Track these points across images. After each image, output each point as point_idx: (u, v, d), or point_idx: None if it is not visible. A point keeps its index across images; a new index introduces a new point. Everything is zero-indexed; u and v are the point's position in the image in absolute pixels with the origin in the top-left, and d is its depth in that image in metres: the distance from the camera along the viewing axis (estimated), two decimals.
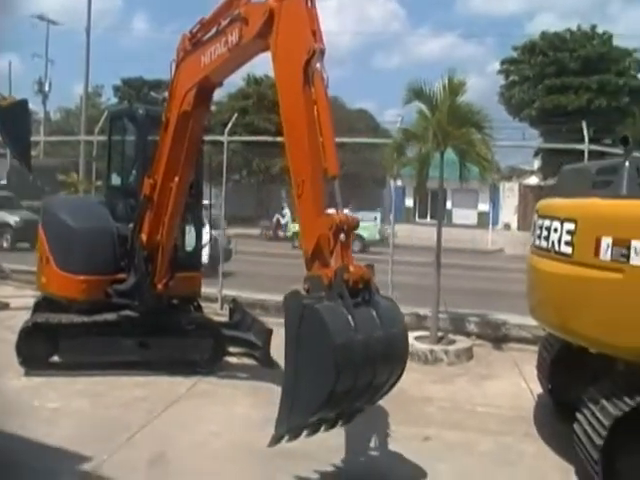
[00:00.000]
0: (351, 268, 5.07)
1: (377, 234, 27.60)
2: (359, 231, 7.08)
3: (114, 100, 51.39)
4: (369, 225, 26.68)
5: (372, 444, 6.43)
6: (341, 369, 4.57)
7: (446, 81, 10.41)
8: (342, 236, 5.21)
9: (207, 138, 10.29)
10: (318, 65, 5.50)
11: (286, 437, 5.02)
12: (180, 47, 7.74)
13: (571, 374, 6.62)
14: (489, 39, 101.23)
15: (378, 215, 29.79)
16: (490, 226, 36.35)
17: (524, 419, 7.39)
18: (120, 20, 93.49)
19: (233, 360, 9.08)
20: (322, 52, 5.55)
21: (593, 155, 11.06)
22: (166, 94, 8.64)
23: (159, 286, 8.38)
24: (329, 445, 5.93)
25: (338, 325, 4.67)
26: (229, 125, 12.81)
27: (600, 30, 42.21)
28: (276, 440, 5.00)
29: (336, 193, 5.31)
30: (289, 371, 4.92)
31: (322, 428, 5.20)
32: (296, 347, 4.83)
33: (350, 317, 4.74)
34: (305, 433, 5.10)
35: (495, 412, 7.67)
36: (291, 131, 5.71)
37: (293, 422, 4.88)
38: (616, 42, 41.60)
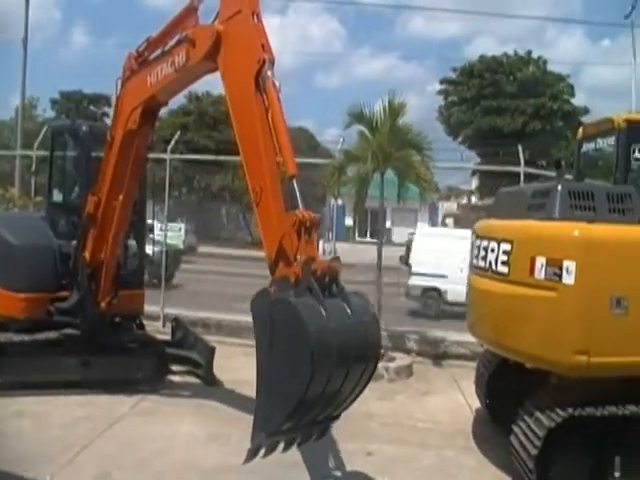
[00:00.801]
0: (318, 261, 5.04)
1: (181, 244, 27.87)
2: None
3: (51, 113, 50.34)
4: (174, 235, 26.96)
5: (316, 459, 6.48)
6: (317, 358, 4.48)
7: (386, 103, 10.64)
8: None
9: (150, 156, 10.26)
10: (269, 73, 5.56)
11: (262, 450, 4.93)
12: (126, 65, 7.76)
13: (508, 389, 6.82)
14: (429, 61, 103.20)
15: (182, 226, 30.09)
16: None
17: (463, 433, 7.60)
18: (59, 32, 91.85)
19: (176, 378, 9.08)
20: (272, 61, 5.63)
21: (528, 177, 11.46)
22: (106, 109, 8.63)
23: (102, 304, 8.33)
24: (272, 460, 5.96)
25: (310, 314, 4.59)
26: (172, 143, 12.78)
27: (535, 55, 43.49)
28: (252, 454, 4.90)
29: (296, 192, 5.29)
30: (262, 373, 4.86)
31: (297, 440, 5.12)
32: (268, 346, 4.76)
33: (321, 308, 4.67)
34: (282, 446, 5.03)
35: (435, 427, 7.86)
36: (245, 142, 5.74)
37: (270, 427, 4.79)
38: (550, 67, 42.92)
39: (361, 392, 5.10)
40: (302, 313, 4.55)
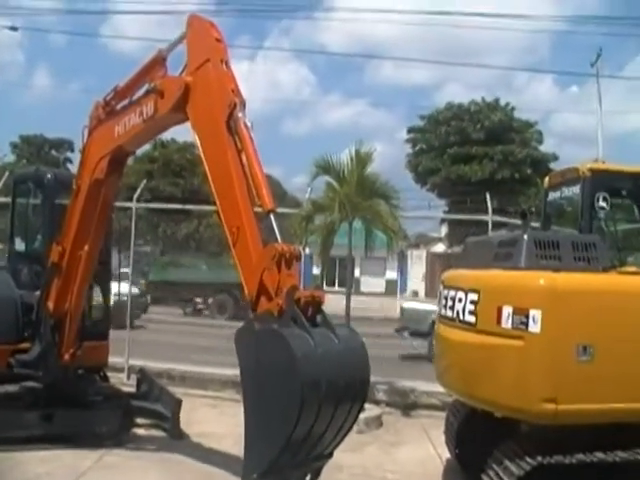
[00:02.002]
0: (300, 291, 5.04)
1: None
2: None
3: (11, 157, 50.02)
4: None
5: None
6: (306, 385, 4.43)
7: (354, 153, 10.83)
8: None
9: (116, 204, 10.30)
10: (240, 114, 5.64)
11: None
12: (93, 114, 7.82)
13: (477, 438, 6.91)
14: (398, 108, 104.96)
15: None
16: (398, 294, 36.99)
17: None
18: (20, 74, 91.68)
19: (141, 432, 9.00)
20: (243, 104, 5.73)
21: (497, 225, 11.67)
22: (69, 154, 8.67)
23: (66, 356, 8.26)
24: None
25: (297, 341, 4.56)
26: (138, 191, 12.79)
27: (503, 102, 43.94)
28: None
29: (274, 227, 5.34)
30: (250, 408, 4.81)
31: None
32: (254, 379, 4.73)
33: (308, 336, 4.64)
34: None
35: (405, 478, 7.89)
36: (219, 185, 5.77)
37: (262, 467, 4.70)
38: (519, 114, 43.32)
39: (348, 432, 5.07)
40: (290, 341, 4.54)
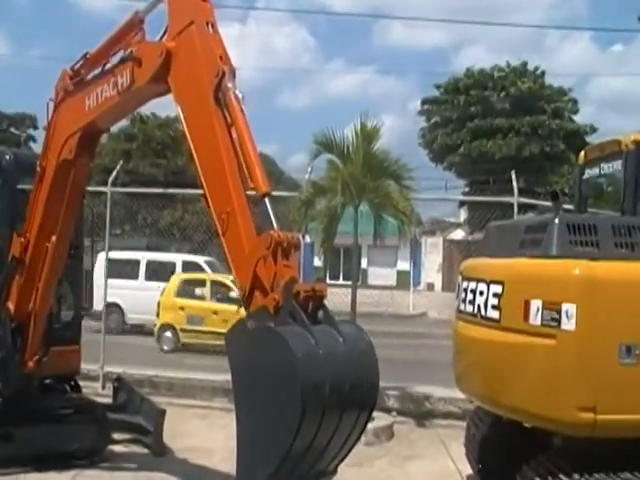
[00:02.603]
0: (300, 284, 4.97)
1: None
2: None
3: None
4: None
5: None
6: (306, 389, 4.37)
7: (359, 127, 10.77)
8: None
9: (88, 188, 10.25)
10: (230, 84, 5.56)
11: None
12: (59, 85, 7.70)
13: (503, 452, 6.86)
14: (410, 76, 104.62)
15: None
16: (411, 287, 36.98)
17: None
18: None
19: (119, 448, 8.98)
20: (233, 72, 5.65)
21: (524, 208, 11.64)
22: (31, 131, 8.58)
23: (30, 364, 8.19)
24: None
25: (296, 340, 4.49)
26: (114, 174, 12.76)
27: (532, 66, 43.79)
28: None
29: (269, 212, 5.26)
30: (242, 420, 4.77)
31: None
32: (248, 386, 4.70)
33: (309, 334, 4.58)
34: None
35: None
36: (207, 165, 5.72)
37: (257, 479, 4.66)
38: (550, 80, 43.29)
39: (354, 444, 5.01)
40: (288, 340, 4.48)
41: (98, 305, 11.79)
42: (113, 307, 20.10)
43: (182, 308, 19.88)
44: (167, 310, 19.91)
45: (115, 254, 17.95)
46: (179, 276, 21.65)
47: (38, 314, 8.09)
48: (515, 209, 11.45)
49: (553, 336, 5.52)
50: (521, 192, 11.74)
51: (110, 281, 13.39)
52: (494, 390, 6.29)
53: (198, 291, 20.36)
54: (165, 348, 19.57)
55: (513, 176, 11.60)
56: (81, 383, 9.72)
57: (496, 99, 41.40)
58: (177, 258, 25.18)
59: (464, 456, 8.08)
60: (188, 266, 23.64)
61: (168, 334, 19.84)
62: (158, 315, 20.07)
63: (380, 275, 40.80)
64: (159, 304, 20.15)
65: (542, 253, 5.92)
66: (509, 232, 6.86)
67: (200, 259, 24.55)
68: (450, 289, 32.36)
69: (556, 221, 5.95)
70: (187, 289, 20.59)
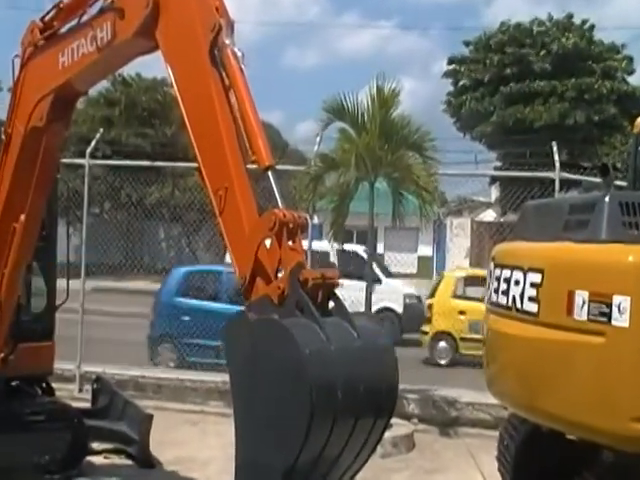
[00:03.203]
0: (308, 270, 4.92)
1: None
2: None
3: None
4: None
5: None
6: (315, 391, 4.33)
7: (375, 91, 10.72)
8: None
9: (63, 161, 10.22)
10: (227, 40, 5.52)
11: None
12: (27, 39, 7.59)
13: (542, 467, 6.83)
14: (435, 31, 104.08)
15: None
16: (434, 275, 36.93)
17: None
18: None
19: (99, 460, 9.00)
20: (231, 26, 5.60)
21: (566, 185, 11.57)
22: None
23: None
24: None
25: (303, 334, 4.47)
26: (92, 144, 12.76)
27: (578, 20, 43.10)
28: None
29: (273, 188, 5.23)
30: (242, 420, 4.74)
31: None
32: (248, 383, 4.67)
33: (318, 327, 4.55)
34: None
35: None
36: (201, 134, 5.68)
37: None
38: (600, 35, 42.45)
39: (370, 455, 4.95)
40: (294, 334, 4.44)
41: None
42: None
43: (463, 312, 18.73)
44: (443, 315, 18.90)
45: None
46: (454, 272, 20.82)
47: (4, 305, 8.01)
48: (557, 186, 11.40)
49: (602, 333, 5.45)
50: (564, 166, 11.69)
51: None
52: (532, 395, 6.26)
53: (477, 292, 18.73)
54: (442, 362, 18.76)
55: (554, 148, 11.55)
56: (55, 385, 9.71)
57: (535, 58, 40.74)
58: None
59: (496, 471, 8.04)
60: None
61: (444, 344, 19.00)
62: (429, 321, 19.25)
63: (399, 261, 40.73)
64: (430, 307, 19.35)
65: (589, 237, 5.86)
66: (550, 212, 6.81)
67: (359, 248, 22.80)
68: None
69: (606, 199, 5.89)
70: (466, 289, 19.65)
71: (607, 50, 41.89)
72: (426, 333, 19.24)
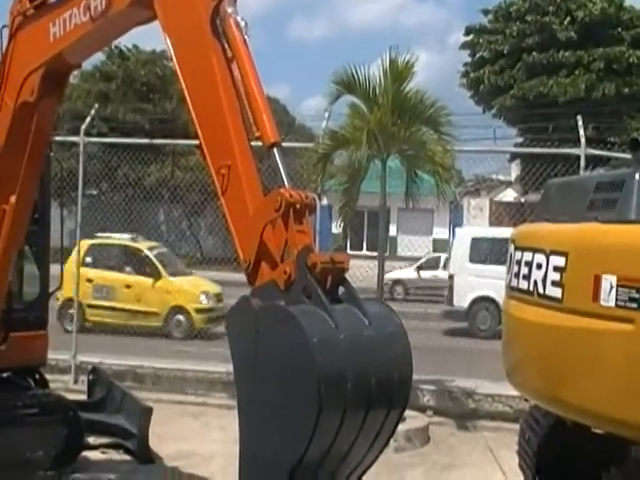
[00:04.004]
0: (316, 254, 4.93)
1: None
2: None
3: None
4: None
5: None
6: (324, 381, 4.33)
7: (388, 63, 10.68)
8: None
9: (56, 139, 10.21)
10: (230, 9, 5.49)
11: None
12: (16, 8, 7.56)
13: (567, 462, 6.81)
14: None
15: None
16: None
17: None
18: None
19: (96, 455, 9.03)
20: None
21: (592, 161, 11.52)
22: None
23: None
24: None
25: (311, 322, 4.47)
26: (87, 120, 12.76)
27: None
28: None
29: (279, 166, 5.21)
30: (247, 413, 4.75)
31: None
32: (252, 373, 4.67)
33: (326, 314, 4.55)
34: None
35: None
36: (202, 109, 5.66)
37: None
38: (630, 1, 41.74)
39: (383, 449, 4.96)
40: (302, 321, 4.43)
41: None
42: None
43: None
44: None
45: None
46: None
47: None
48: (582, 163, 11.35)
49: (631, 320, 5.40)
50: (589, 142, 11.64)
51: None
52: (555, 386, 6.23)
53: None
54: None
55: (579, 122, 11.50)
56: (48, 376, 9.77)
57: (559, 27, 40.25)
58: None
59: (516, 466, 8.03)
60: None
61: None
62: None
63: (412, 244, 40.58)
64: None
65: (617, 217, 5.82)
66: (575, 191, 6.77)
67: None
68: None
69: (636, 177, 5.84)
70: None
71: (638, 17, 41.34)
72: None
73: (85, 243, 20.00)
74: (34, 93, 7.36)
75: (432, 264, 31.20)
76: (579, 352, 5.85)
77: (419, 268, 33.23)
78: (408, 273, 32.33)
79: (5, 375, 8.89)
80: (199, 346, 16.34)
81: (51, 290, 9.60)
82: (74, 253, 18.76)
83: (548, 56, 40.14)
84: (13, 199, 7.80)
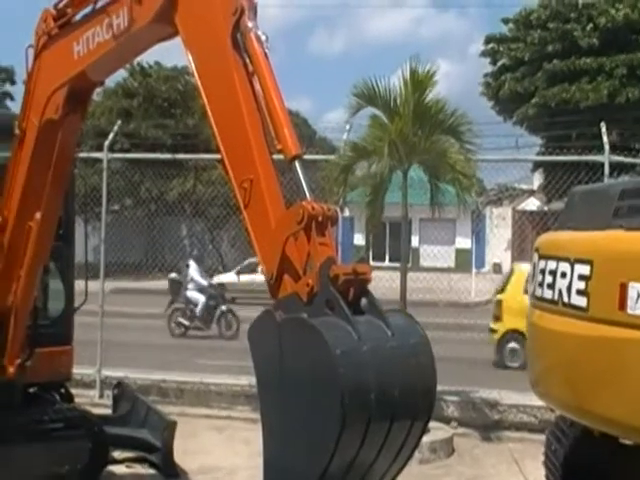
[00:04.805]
0: (339, 265, 4.90)
1: None
2: None
3: None
4: None
5: None
6: (347, 394, 4.30)
7: (408, 74, 10.67)
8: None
9: (79, 155, 10.26)
10: (250, 24, 5.49)
11: None
12: (41, 28, 7.62)
13: (594, 474, 6.76)
14: (472, 10, 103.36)
15: None
16: (473, 269, 36.76)
17: None
18: None
19: (121, 469, 9.04)
20: (254, 9, 5.57)
21: (617, 169, 11.44)
22: (8, 87, 8.50)
23: (10, 368, 8.17)
24: None
25: (334, 334, 4.45)
26: (110, 137, 12.82)
27: None
28: None
29: (301, 179, 5.19)
30: (270, 426, 4.74)
31: None
32: (276, 387, 4.66)
33: (349, 327, 4.53)
34: None
35: None
36: (224, 123, 5.67)
37: None
38: None
39: (407, 461, 4.89)
40: (325, 334, 4.41)
41: None
42: None
43: None
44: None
45: None
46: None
47: (20, 308, 8.07)
48: (606, 170, 11.29)
49: None
50: (614, 149, 11.57)
51: None
52: (582, 396, 6.19)
53: None
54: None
55: (603, 129, 11.45)
56: (74, 391, 9.78)
57: (581, 33, 39.91)
58: None
59: (542, 477, 7.98)
60: None
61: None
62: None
63: (435, 255, 40.49)
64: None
65: None
66: (599, 199, 6.72)
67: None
68: None
69: None
70: None
71: None
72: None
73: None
74: (58, 110, 7.40)
75: (252, 268, 30.67)
76: (605, 361, 5.82)
77: (239, 272, 33.77)
78: (229, 277, 33.55)
79: (32, 390, 8.90)
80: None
81: (76, 305, 9.63)
82: (514, 278, 18.87)
83: (569, 63, 39.86)
84: (38, 215, 7.84)
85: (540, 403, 8.06)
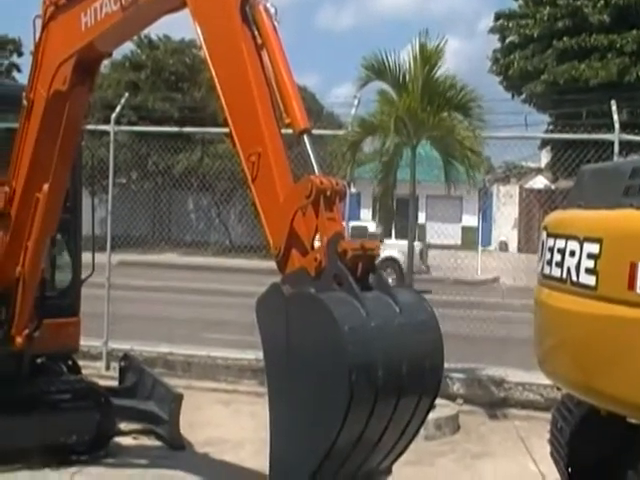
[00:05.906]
0: (347, 241, 4.91)
1: None
2: None
3: None
4: None
5: None
6: (355, 370, 4.33)
7: (417, 49, 10.60)
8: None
9: (87, 127, 10.24)
10: None
11: None
12: None
13: (600, 452, 6.74)
14: None
15: None
16: (480, 246, 36.70)
17: None
18: None
19: (127, 441, 9.09)
20: None
21: (627, 147, 11.37)
22: (15, 58, 8.49)
23: (18, 339, 8.23)
24: None
25: (342, 309, 4.46)
26: (117, 109, 12.81)
27: None
28: None
29: (309, 153, 5.22)
30: (274, 405, 4.77)
31: None
32: (283, 361, 4.68)
33: (357, 302, 4.54)
34: None
35: None
36: (232, 96, 5.66)
37: (294, 478, 4.67)
38: None
39: (414, 437, 4.96)
40: (332, 309, 4.43)
41: None
42: None
43: None
44: None
45: None
46: None
47: (27, 280, 8.10)
48: (616, 148, 11.21)
49: None
50: (624, 127, 11.48)
51: None
52: (588, 374, 6.16)
53: None
54: None
55: (613, 107, 11.37)
56: (81, 362, 9.86)
57: (591, 10, 39.51)
58: None
59: (548, 456, 7.97)
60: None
61: None
62: None
63: (441, 232, 40.44)
64: None
65: None
66: (609, 177, 6.66)
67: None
68: (528, 249, 31.97)
69: None
70: None
71: None
72: None
73: None
74: (66, 82, 7.41)
75: None
76: (613, 340, 5.78)
77: None
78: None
79: (39, 361, 8.95)
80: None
81: (83, 277, 9.64)
82: None
83: (580, 40, 39.49)
84: (46, 187, 7.86)
85: (546, 381, 8.07)
